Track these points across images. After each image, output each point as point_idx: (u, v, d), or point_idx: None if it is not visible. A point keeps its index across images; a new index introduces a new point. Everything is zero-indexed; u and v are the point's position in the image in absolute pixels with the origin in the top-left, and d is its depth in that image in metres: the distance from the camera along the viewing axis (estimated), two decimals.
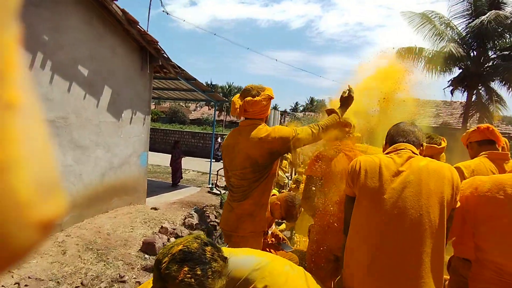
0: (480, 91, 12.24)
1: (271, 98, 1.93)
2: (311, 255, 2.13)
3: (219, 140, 15.64)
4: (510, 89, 11.59)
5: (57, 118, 3.99)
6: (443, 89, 13.04)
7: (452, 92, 13.03)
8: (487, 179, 1.39)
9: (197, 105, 39.17)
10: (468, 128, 10.99)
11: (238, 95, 2.01)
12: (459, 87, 12.70)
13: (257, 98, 1.88)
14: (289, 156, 7.82)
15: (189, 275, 0.93)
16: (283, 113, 24.57)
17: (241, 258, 1.26)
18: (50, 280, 3.29)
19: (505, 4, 11.28)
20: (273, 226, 2.79)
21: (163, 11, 7.76)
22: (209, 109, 36.12)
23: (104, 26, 4.63)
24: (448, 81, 12.83)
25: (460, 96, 13.33)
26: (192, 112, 38.23)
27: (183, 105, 36.77)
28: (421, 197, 1.27)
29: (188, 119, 33.11)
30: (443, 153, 2.14)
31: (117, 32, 4.83)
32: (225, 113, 32.92)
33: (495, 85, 12.17)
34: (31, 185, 0.23)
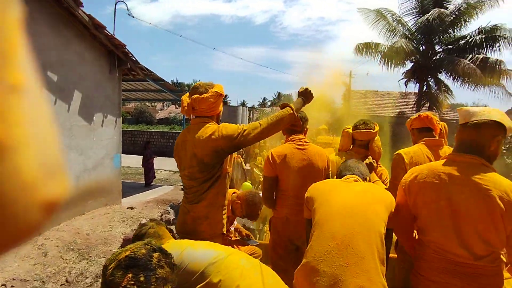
0: (430, 82, 13.40)
1: (220, 95, 1.88)
2: (272, 246, 2.22)
3: None
4: (455, 80, 12.82)
5: None
6: (398, 81, 14.16)
7: (406, 84, 14.17)
8: (424, 167, 1.51)
9: (164, 104, 38.51)
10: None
11: (187, 93, 1.97)
12: (411, 79, 13.83)
13: (204, 95, 1.83)
14: (264, 153, 8.21)
15: (132, 282, 0.92)
16: (251, 109, 24.98)
17: (199, 251, 1.29)
18: (35, 280, 3.43)
19: (447, 2, 12.45)
20: (235, 222, 2.86)
21: (129, 14, 7.77)
22: (176, 108, 35.64)
23: (71, 31, 4.71)
24: (402, 74, 13.92)
25: (413, 87, 14.53)
26: (159, 111, 37.53)
27: (149, 105, 35.98)
28: (366, 195, 1.50)
29: (155, 119, 32.52)
30: (378, 136, 2.38)
31: (84, 37, 4.92)
32: None
33: (443, 77, 13.39)
34: (35, 166, 0.23)
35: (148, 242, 1.07)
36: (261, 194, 2.40)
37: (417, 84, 13.76)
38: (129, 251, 0.99)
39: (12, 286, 3.24)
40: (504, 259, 1.37)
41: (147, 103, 34.19)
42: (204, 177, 1.85)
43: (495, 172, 1.33)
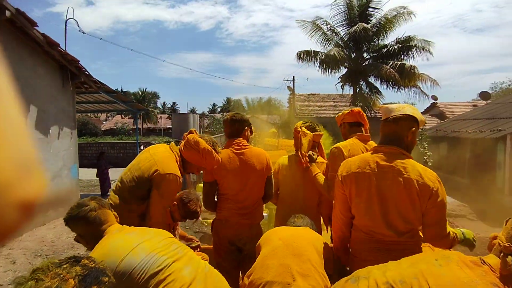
0: (362, 85, 15.18)
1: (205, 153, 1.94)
2: (214, 248, 2.24)
3: (142, 147, 15.69)
4: (382, 82, 14.72)
5: None
6: (335, 84, 15.76)
7: (342, 87, 15.82)
8: (356, 158, 1.62)
9: (108, 115, 36.95)
10: None
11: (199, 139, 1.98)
12: (346, 83, 15.51)
13: (201, 147, 1.93)
14: None
15: None
16: (202, 115, 25.32)
17: (141, 259, 1.21)
18: (9, 284, 3.68)
19: (370, 16, 14.31)
20: (179, 229, 2.80)
21: (79, 31, 7.88)
22: (122, 118, 34.51)
23: (25, 48, 4.93)
24: (338, 78, 15.55)
25: (349, 90, 16.28)
26: (104, 122, 35.94)
27: (92, 116, 34.28)
28: (304, 229, 1.76)
29: (101, 130, 31.14)
30: None
31: (37, 54, 5.16)
32: (141, 120, 32.04)
33: (372, 80, 15.25)
34: (9, 166, 0.23)
35: (61, 272, 0.88)
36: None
37: (351, 87, 15.50)
38: None
39: None
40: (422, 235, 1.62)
41: (89, 114, 32.64)
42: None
43: (411, 159, 1.53)
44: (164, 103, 50.90)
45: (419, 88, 14.45)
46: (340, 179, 1.61)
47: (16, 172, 0.24)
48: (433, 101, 18.56)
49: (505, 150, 9.07)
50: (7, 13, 4.19)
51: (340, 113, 2.29)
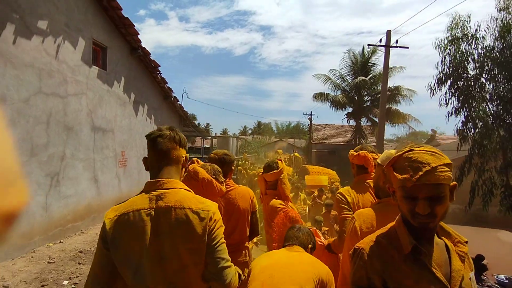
0: (362, 121, 20.65)
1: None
2: None
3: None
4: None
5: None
6: (342, 119, 21.38)
7: (347, 121, 21.43)
8: (373, 213, 1.61)
9: None
10: (357, 144, 18.97)
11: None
12: (352, 118, 21.05)
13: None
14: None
15: None
16: (237, 138, 31.05)
17: None
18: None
19: (369, 69, 19.96)
20: None
21: (188, 97, 14.10)
22: None
23: (171, 111, 11.19)
24: (345, 114, 21.18)
25: (353, 122, 21.77)
26: None
27: None
28: (300, 258, 1.81)
29: None
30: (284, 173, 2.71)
31: (176, 114, 11.41)
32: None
33: (372, 116, 20.67)
34: None
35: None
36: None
37: (355, 121, 21.03)
38: None
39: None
40: None
41: None
42: None
43: None
44: (199, 124, 57.35)
45: (408, 124, 19.74)
46: (359, 234, 1.54)
47: None
48: (432, 133, 23.55)
49: None
50: (172, 98, 10.45)
51: (350, 153, 2.41)
